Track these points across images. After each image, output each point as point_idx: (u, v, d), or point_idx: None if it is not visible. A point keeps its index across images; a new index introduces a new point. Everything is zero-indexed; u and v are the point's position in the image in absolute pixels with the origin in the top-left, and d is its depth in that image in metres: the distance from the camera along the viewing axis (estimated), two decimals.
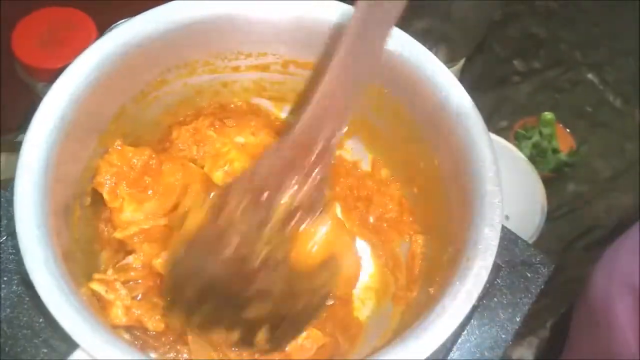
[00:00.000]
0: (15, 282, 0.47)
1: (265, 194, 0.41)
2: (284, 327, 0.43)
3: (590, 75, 0.96)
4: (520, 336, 0.76)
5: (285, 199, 0.41)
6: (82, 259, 0.46)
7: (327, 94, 0.41)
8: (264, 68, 0.54)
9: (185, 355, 0.47)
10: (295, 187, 0.41)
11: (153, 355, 0.43)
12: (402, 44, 0.49)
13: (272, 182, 0.41)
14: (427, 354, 0.39)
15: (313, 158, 0.41)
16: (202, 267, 0.41)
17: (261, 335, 0.42)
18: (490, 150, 0.45)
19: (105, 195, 0.48)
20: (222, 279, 0.41)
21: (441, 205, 0.50)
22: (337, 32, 0.49)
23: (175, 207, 0.50)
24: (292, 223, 0.41)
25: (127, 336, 0.44)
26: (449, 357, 0.49)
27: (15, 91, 0.71)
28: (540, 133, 0.86)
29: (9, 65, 0.69)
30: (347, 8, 0.50)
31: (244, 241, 0.41)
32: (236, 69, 0.54)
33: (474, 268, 0.42)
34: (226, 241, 0.41)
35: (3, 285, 0.47)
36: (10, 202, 0.41)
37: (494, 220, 0.43)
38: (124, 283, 0.45)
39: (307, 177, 0.41)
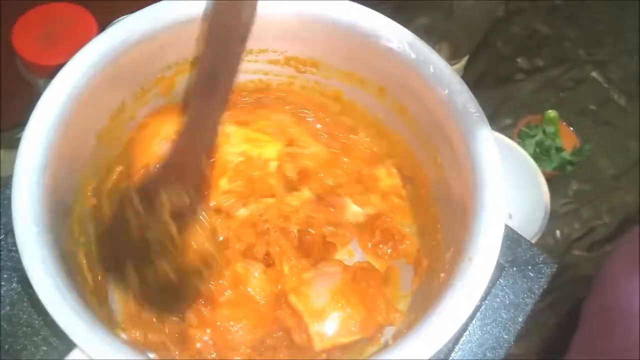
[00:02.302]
0: (15, 279, 0.47)
1: None
2: None
3: (594, 74, 0.95)
4: (522, 336, 0.76)
5: None
6: (80, 258, 0.46)
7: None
8: (265, 65, 0.54)
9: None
10: None
11: (152, 355, 0.43)
12: (404, 42, 0.48)
13: None
14: (429, 354, 0.38)
15: None
16: None
17: None
18: (493, 149, 0.45)
19: None
20: None
21: (443, 204, 0.50)
22: (339, 28, 0.49)
23: None
24: None
25: (124, 336, 0.43)
26: (450, 357, 0.49)
27: (16, 87, 0.70)
28: (544, 131, 0.86)
29: (9, 61, 0.68)
30: (347, 4, 0.49)
31: None
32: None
33: (476, 268, 0.41)
34: None
35: (3, 283, 0.47)
36: (10, 200, 0.40)
37: (497, 219, 0.43)
38: None
39: None
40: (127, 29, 0.46)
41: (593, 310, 0.62)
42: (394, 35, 0.48)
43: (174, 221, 0.45)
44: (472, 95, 0.47)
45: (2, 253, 0.48)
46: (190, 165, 0.45)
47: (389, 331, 0.50)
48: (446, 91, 0.47)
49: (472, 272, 0.41)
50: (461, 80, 0.47)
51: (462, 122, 0.46)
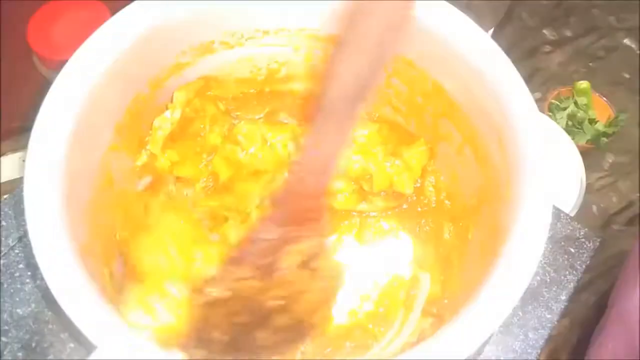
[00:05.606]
0: (40, 276, 0.46)
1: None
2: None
3: (626, 40, 0.91)
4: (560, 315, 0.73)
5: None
6: (100, 252, 0.44)
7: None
8: (283, 44, 0.52)
9: None
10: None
11: (178, 355, 0.41)
12: (441, 13, 0.45)
13: None
14: (474, 347, 0.35)
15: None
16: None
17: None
18: (537, 125, 0.42)
19: None
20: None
21: (485, 184, 0.47)
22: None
23: None
24: None
25: (145, 334, 0.42)
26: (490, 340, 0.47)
27: (36, 87, 0.70)
28: (576, 103, 0.82)
29: (25, 58, 0.68)
30: None
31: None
32: (254, 46, 0.52)
33: (523, 251, 0.38)
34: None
35: (28, 280, 0.47)
36: None
37: (544, 197, 0.39)
38: None
39: None
40: (140, 13, 0.45)
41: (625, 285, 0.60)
42: (432, 8, 0.45)
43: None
44: (514, 67, 0.44)
45: (27, 250, 0.47)
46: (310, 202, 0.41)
47: None
48: (485, 64, 0.44)
49: (518, 256, 0.38)
50: (502, 52, 0.44)
51: (502, 98, 0.43)
